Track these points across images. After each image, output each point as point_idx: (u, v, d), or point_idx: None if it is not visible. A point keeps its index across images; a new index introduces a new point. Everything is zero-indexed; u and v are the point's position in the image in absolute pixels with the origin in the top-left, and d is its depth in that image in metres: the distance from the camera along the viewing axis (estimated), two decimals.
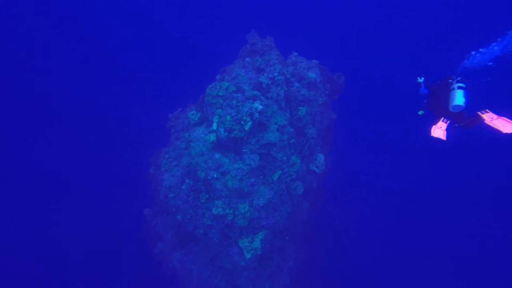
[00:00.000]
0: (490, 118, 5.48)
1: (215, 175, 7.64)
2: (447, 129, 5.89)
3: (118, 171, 15.57)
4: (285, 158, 8.13)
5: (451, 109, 5.85)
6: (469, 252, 16.48)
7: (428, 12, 23.94)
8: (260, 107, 7.61)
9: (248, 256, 7.65)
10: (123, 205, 14.27)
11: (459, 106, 5.74)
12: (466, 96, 5.78)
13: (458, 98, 5.75)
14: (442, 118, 5.97)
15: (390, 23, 24.19)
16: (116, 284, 12.39)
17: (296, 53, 10.28)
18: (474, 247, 16.76)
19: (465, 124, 5.89)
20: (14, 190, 15.88)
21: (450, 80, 6.06)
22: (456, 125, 5.98)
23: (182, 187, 8.12)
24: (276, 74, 8.34)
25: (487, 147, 18.54)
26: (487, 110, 5.63)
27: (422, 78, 6.61)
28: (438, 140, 5.97)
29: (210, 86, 8.11)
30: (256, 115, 7.54)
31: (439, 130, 5.90)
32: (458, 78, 5.98)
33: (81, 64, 20.89)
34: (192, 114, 8.57)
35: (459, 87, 5.82)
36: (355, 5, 24.18)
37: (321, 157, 9.28)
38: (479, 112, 5.64)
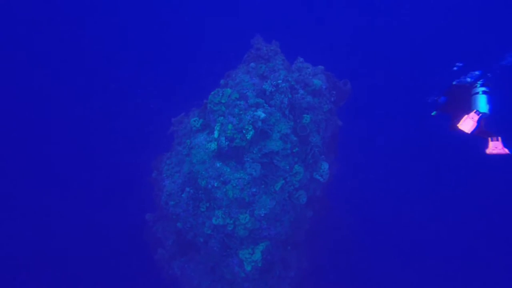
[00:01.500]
0: (493, 147, 5.18)
1: (215, 184, 7.49)
2: (478, 121, 5.41)
3: (122, 174, 15.57)
4: (288, 167, 7.92)
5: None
6: (477, 257, 16.04)
7: (443, 11, 23.24)
8: (263, 115, 7.43)
9: (249, 268, 7.47)
10: (126, 209, 14.26)
11: (483, 113, 5.37)
12: (490, 101, 5.41)
13: (482, 104, 5.37)
14: (475, 110, 5.43)
15: (400, 26, 23.67)
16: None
17: (301, 59, 10.06)
18: (482, 252, 16.33)
19: (478, 134, 5.58)
20: (15, 192, 15.97)
21: (472, 81, 5.67)
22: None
23: (183, 195, 8.00)
24: (280, 81, 8.14)
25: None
26: (499, 138, 5.30)
27: (434, 112, 6.33)
28: (460, 133, 5.55)
29: (212, 93, 7.96)
30: (259, 123, 7.36)
31: (470, 121, 5.36)
32: (481, 81, 5.60)
33: (83, 66, 20.90)
34: (194, 121, 8.44)
35: (484, 92, 5.43)
36: (364, 9, 23.76)
37: (325, 165, 9.04)
38: (490, 138, 5.33)
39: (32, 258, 13.57)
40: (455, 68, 6.22)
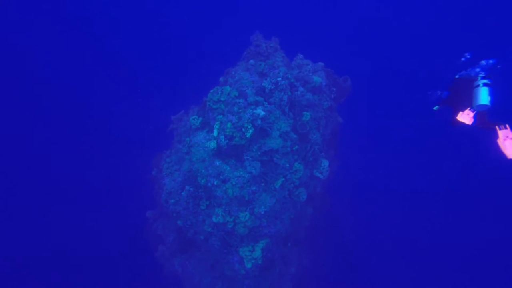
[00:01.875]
0: (504, 137, 5.09)
1: (215, 183, 7.49)
2: (474, 117, 5.39)
3: (122, 172, 15.58)
4: (288, 165, 7.91)
5: (475, 108, 5.39)
6: (479, 257, 16.01)
7: (445, 9, 23.00)
8: (263, 113, 7.40)
9: (249, 265, 7.50)
10: (126, 206, 14.29)
11: (484, 105, 5.29)
12: (492, 94, 5.32)
13: (483, 96, 5.28)
14: (469, 108, 5.42)
15: (401, 21, 23.47)
16: (117, 285, 12.46)
17: (301, 56, 9.99)
18: (484, 252, 16.29)
19: (482, 126, 5.52)
20: (15, 192, 16.01)
21: (476, 73, 5.60)
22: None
23: (182, 193, 8.00)
24: (280, 78, 8.10)
25: (495, 149, 17.81)
26: (507, 125, 5.22)
27: (437, 107, 6.31)
28: (460, 126, 5.50)
29: (211, 91, 7.93)
30: (258, 121, 7.33)
31: (466, 116, 5.37)
32: (482, 74, 5.53)
33: (83, 65, 20.85)
34: (194, 119, 8.42)
35: (484, 84, 5.34)
36: (365, 5, 23.55)
37: (325, 163, 9.03)
38: (497, 126, 5.25)
39: (32, 257, 13.64)
40: (463, 59, 6.12)
